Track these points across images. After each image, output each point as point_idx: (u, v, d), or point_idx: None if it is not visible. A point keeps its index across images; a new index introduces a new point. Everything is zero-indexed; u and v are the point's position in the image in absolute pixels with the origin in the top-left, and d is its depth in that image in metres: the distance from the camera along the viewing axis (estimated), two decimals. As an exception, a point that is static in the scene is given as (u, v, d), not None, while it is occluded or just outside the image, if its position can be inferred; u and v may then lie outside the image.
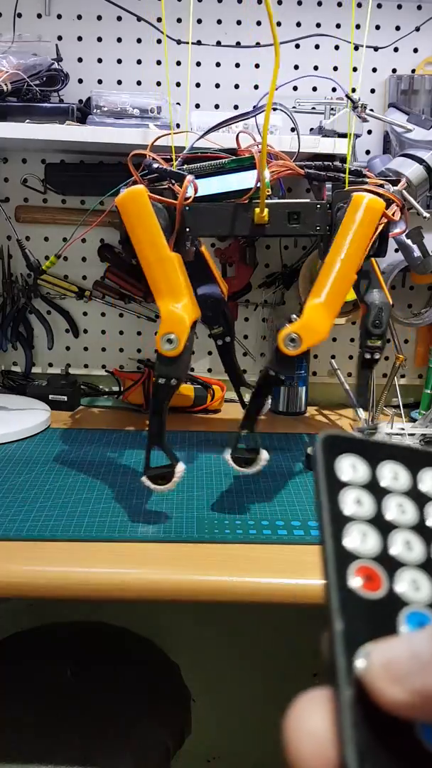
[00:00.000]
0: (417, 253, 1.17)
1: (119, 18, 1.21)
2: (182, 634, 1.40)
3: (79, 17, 1.21)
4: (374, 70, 1.24)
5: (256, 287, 1.31)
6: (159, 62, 1.22)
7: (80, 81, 1.23)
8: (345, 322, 1.26)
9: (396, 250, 1.28)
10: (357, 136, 1.14)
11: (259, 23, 1.22)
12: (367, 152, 1.27)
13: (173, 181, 0.83)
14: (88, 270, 1.32)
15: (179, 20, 1.19)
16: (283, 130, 1.10)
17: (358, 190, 0.84)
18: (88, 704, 1.00)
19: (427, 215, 1.11)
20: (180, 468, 0.80)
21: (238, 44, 1.23)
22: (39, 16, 1.21)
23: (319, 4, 1.22)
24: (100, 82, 1.24)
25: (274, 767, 1.45)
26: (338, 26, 1.22)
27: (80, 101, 1.17)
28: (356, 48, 1.20)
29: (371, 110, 1.11)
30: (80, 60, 1.23)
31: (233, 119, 0.90)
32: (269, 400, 1.01)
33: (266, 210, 0.81)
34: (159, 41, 1.20)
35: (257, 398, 0.84)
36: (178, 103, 1.17)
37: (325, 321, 0.79)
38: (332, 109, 1.11)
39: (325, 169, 0.90)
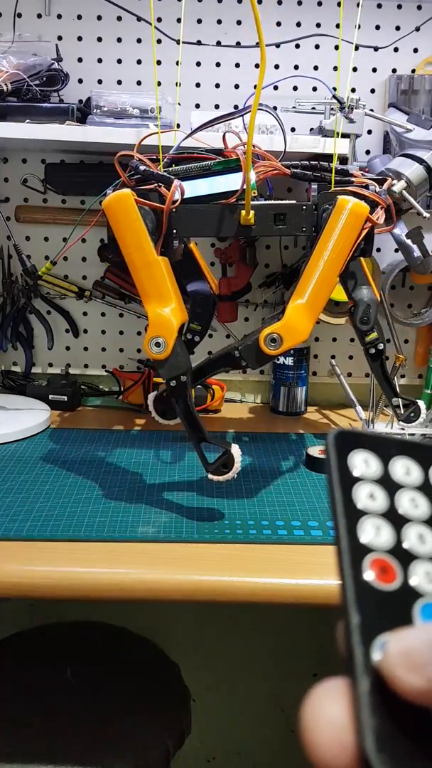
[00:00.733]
0: (417, 253, 1.17)
1: (119, 18, 1.21)
2: (182, 634, 1.40)
3: (79, 17, 1.21)
4: (374, 70, 1.24)
5: (256, 287, 1.31)
6: (159, 62, 1.22)
7: (80, 81, 1.23)
8: (345, 322, 1.26)
9: (396, 250, 1.28)
10: (357, 136, 1.14)
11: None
12: (367, 152, 1.27)
13: (160, 183, 0.83)
14: (88, 270, 1.32)
15: (179, 20, 1.19)
16: (279, 129, 1.10)
17: (343, 192, 0.84)
18: (87, 704, 1.00)
19: (427, 215, 1.11)
20: (236, 450, 0.80)
21: (238, 44, 1.23)
22: (39, 16, 1.21)
23: (319, 4, 1.22)
24: (100, 82, 1.24)
25: (274, 767, 1.45)
26: (338, 26, 1.22)
27: (80, 101, 1.17)
28: (356, 48, 1.20)
29: (371, 110, 1.11)
30: (80, 60, 1.23)
31: (219, 119, 0.90)
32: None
33: (252, 212, 0.82)
34: (159, 41, 1.20)
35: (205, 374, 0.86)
36: (179, 103, 1.16)
37: (307, 322, 0.80)
38: (332, 109, 1.11)
39: (311, 169, 0.90)
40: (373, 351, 0.97)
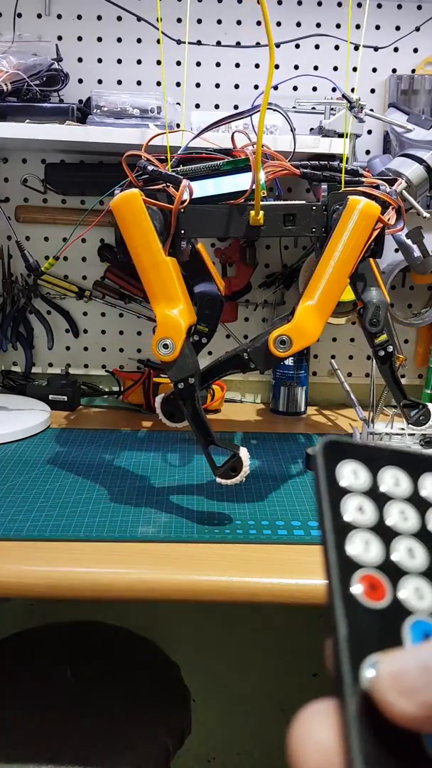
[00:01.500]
0: (417, 253, 1.17)
1: (119, 18, 1.21)
2: (182, 634, 1.40)
3: (79, 17, 1.21)
4: (374, 70, 1.24)
5: (256, 287, 1.31)
6: (159, 62, 1.22)
7: (80, 81, 1.23)
8: (345, 322, 1.26)
9: (396, 250, 1.28)
10: (357, 136, 1.14)
11: (259, 23, 1.22)
12: (367, 152, 1.27)
13: (168, 184, 0.83)
14: (88, 270, 1.32)
15: (179, 20, 1.19)
16: (282, 129, 1.10)
17: (353, 192, 0.84)
18: (87, 704, 1.00)
19: (427, 215, 1.11)
20: (244, 453, 0.80)
21: (238, 44, 1.23)
22: (39, 16, 1.21)
23: (319, 4, 1.22)
24: (100, 82, 1.24)
25: (274, 767, 1.45)
26: (338, 26, 1.22)
27: (80, 101, 1.17)
28: (356, 48, 1.20)
29: (371, 110, 1.11)
30: (80, 60, 1.23)
31: (227, 119, 0.90)
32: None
33: (261, 212, 0.81)
34: (159, 41, 1.20)
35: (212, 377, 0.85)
36: (178, 103, 1.16)
37: (317, 324, 0.80)
38: (332, 109, 1.11)
39: (322, 169, 0.90)
40: (382, 353, 0.96)
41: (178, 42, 1.19)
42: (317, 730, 0.21)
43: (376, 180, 0.89)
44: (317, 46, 1.23)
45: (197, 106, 1.25)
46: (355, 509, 0.25)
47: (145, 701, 1.02)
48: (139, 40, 1.22)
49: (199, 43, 1.22)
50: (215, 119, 0.93)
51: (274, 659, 1.43)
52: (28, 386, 1.28)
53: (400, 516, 0.25)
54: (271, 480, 0.95)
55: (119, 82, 1.24)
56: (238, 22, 1.22)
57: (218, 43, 1.23)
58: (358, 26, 1.21)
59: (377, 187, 0.88)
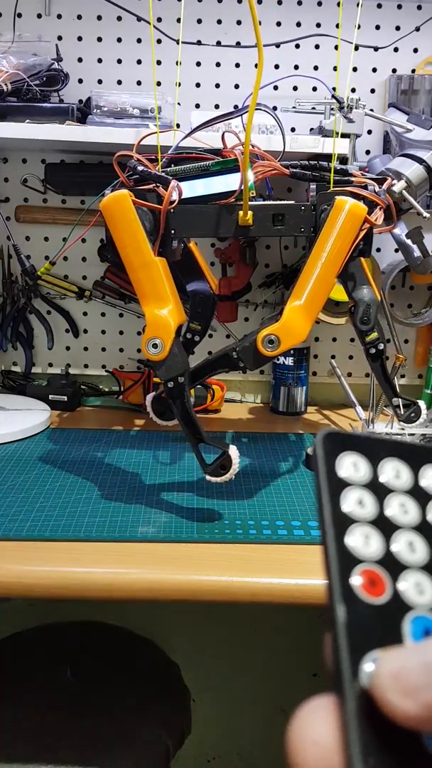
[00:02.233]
0: (417, 253, 1.17)
1: (119, 18, 1.21)
2: (182, 634, 1.40)
3: (79, 17, 1.21)
4: (374, 70, 1.24)
5: (256, 287, 1.31)
6: (159, 62, 1.22)
7: (80, 81, 1.23)
8: (345, 322, 1.26)
9: (396, 250, 1.28)
10: (357, 136, 1.14)
11: (259, 23, 1.22)
12: (367, 152, 1.27)
13: (158, 184, 0.83)
14: (88, 270, 1.32)
15: (179, 20, 1.19)
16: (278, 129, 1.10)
17: (341, 192, 0.84)
18: (87, 704, 1.00)
19: (427, 215, 1.11)
20: (234, 451, 0.80)
21: (238, 44, 1.23)
22: (39, 16, 1.21)
23: (319, 4, 1.22)
24: (100, 82, 1.24)
25: (274, 767, 1.45)
26: (338, 26, 1.22)
27: (80, 101, 1.17)
28: (356, 48, 1.20)
29: (371, 110, 1.11)
30: (80, 60, 1.23)
31: (217, 119, 0.90)
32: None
33: (250, 212, 0.82)
34: (159, 41, 1.20)
35: (202, 375, 0.85)
36: (178, 103, 1.16)
37: (305, 324, 0.80)
38: (332, 109, 1.11)
39: (311, 169, 0.90)
40: (373, 351, 0.96)
41: (178, 42, 1.19)
42: (316, 728, 0.21)
43: (365, 180, 0.89)
44: (317, 46, 1.23)
45: (197, 106, 1.25)
46: (355, 502, 0.24)
47: (145, 701, 1.02)
48: (139, 40, 1.22)
49: (199, 43, 1.22)
50: (208, 119, 0.94)
51: (274, 659, 1.43)
52: (28, 386, 1.28)
53: (401, 509, 0.25)
54: (271, 480, 0.95)
55: (119, 82, 1.24)
56: (238, 22, 1.22)
57: (218, 43, 1.23)
58: (358, 26, 1.21)
59: (365, 186, 0.88)
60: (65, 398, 1.25)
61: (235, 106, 1.23)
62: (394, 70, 1.25)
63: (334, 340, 1.37)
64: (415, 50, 1.24)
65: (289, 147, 1.02)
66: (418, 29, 1.23)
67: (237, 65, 1.23)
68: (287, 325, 0.80)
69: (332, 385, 1.35)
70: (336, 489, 0.24)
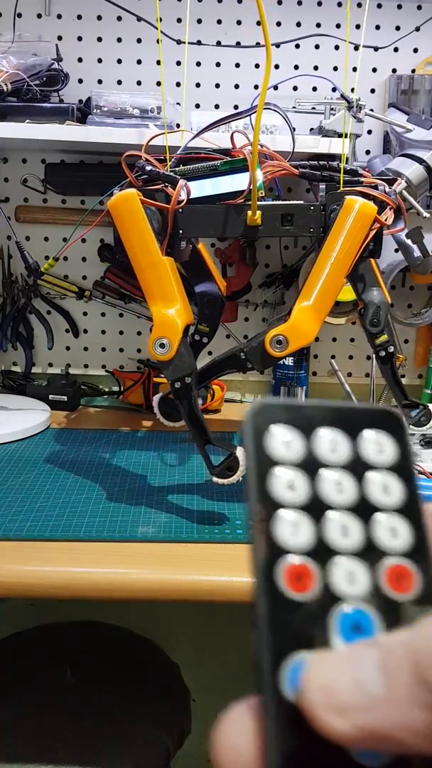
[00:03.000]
0: (417, 253, 1.17)
1: (119, 18, 1.21)
2: (182, 634, 1.40)
3: (79, 17, 1.21)
4: (374, 70, 1.24)
5: (256, 287, 1.31)
6: (159, 62, 1.22)
7: (80, 81, 1.23)
8: (345, 322, 1.26)
9: (396, 250, 1.28)
10: (357, 136, 1.14)
11: (259, 23, 1.22)
12: (367, 152, 1.27)
13: (166, 184, 0.83)
14: (88, 270, 1.32)
15: (179, 20, 1.19)
16: (283, 129, 1.10)
17: (351, 192, 0.84)
18: (87, 704, 1.00)
19: (427, 215, 1.10)
20: (240, 452, 0.80)
21: (238, 44, 1.23)
22: (39, 16, 1.21)
23: (319, 4, 1.22)
24: (100, 82, 1.24)
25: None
26: (338, 26, 1.22)
27: (80, 101, 1.17)
28: (356, 48, 1.20)
29: (371, 110, 1.11)
30: (80, 60, 1.23)
31: (226, 119, 0.90)
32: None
33: (258, 212, 0.81)
34: (159, 41, 1.20)
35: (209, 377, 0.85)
36: (177, 103, 1.16)
37: (313, 324, 0.80)
38: (332, 109, 1.11)
39: (321, 169, 0.90)
40: (383, 354, 0.96)
41: (178, 42, 1.19)
42: (236, 735, 0.19)
43: (375, 180, 0.89)
44: (317, 46, 1.23)
45: (197, 106, 1.25)
46: (285, 485, 0.22)
47: (145, 701, 1.02)
48: (139, 40, 1.22)
49: (199, 43, 1.22)
50: (215, 119, 0.94)
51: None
52: (28, 386, 1.28)
53: (336, 488, 0.22)
54: (271, 480, 0.95)
55: (119, 82, 1.24)
56: (238, 22, 1.22)
57: (218, 43, 1.23)
58: (358, 26, 1.21)
59: (375, 187, 0.88)
60: (65, 398, 1.25)
61: (235, 106, 1.23)
62: (394, 70, 1.25)
63: (334, 340, 1.37)
64: (415, 50, 1.24)
65: (290, 147, 1.02)
66: (418, 29, 1.23)
67: (237, 65, 1.23)
68: (296, 326, 0.80)
69: (332, 385, 1.34)
70: (264, 471, 0.22)
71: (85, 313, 1.34)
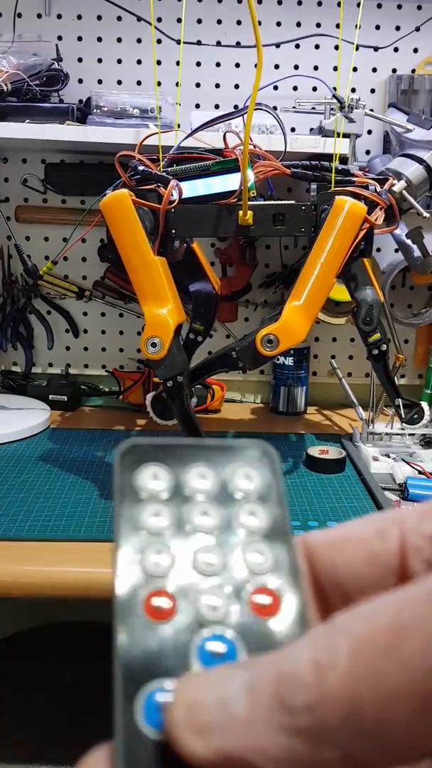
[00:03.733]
0: (417, 253, 1.17)
1: (119, 18, 1.21)
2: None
3: (79, 17, 1.21)
4: (374, 70, 1.24)
5: (256, 287, 1.31)
6: (159, 62, 1.22)
7: (80, 81, 1.23)
8: (345, 322, 1.26)
9: (396, 250, 1.28)
10: (357, 136, 1.14)
11: (259, 23, 1.22)
12: (367, 152, 1.27)
13: (159, 184, 0.83)
14: (88, 270, 1.32)
15: (179, 20, 1.19)
16: (278, 129, 1.10)
17: (342, 192, 0.84)
18: (88, 705, 0.99)
19: (427, 215, 1.10)
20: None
21: (238, 44, 1.23)
22: (39, 16, 1.21)
23: (319, 4, 1.22)
24: (100, 82, 1.24)
25: None
26: (338, 26, 1.22)
27: (80, 101, 1.17)
28: (356, 48, 1.20)
29: (371, 110, 1.11)
30: (80, 60, 1.23)
31: (218, 119, 0.90)
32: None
33: (250, 212, 0.82)
34: (159, 41, 1.20)
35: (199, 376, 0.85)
36: (178, 104, 1.16)
37: (304, 323, 0.80)
38: (332, 109, 1.11)
39: (312, 169, 0.90)
40: (376, 352, 0.96)
41: (178, 42, 1.19)
42: None
43: (366, 180, 0.89)
44: (317, 46, 1.23)
45: (197, 106, 1.25)
46: (150, 515, 0.22)
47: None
48: (139, 40, 1.22)
49: (199, 43, 1.22)
50: (209, 119, 0.94)
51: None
52: (28, 386, 1.28)
53: (201, 515, 0.22)
54: (271, 480, 0.95)
55: (119, 82, 1.24)
56: (238, 22, 1.22)
57: (218, 43, 1.23)
58: (357, 26, 1.21)
59: (366, 186, 0.88)
60: (65, 398, 1.25)
61: (235, 106, 1.23)
62: (394, 70, 1.24)
63: (334, 340, 1.37)
64: (415, 50, 1.24)
65: (289, 147, 1.02)
66: (418, 29, 1.23)
67: (237, 65, 1.23)
68: (286, 325, 0.80)
69: (332, 385, 1.34)
70: (132, 505, 0.22)
71: (85, 313, 1.34)
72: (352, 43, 1.17)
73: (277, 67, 1.23)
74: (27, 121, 1.06)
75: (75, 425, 1.18)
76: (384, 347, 0.96)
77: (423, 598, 0.16)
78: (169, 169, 0.87)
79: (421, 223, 1.19)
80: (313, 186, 0.90)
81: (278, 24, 1.22)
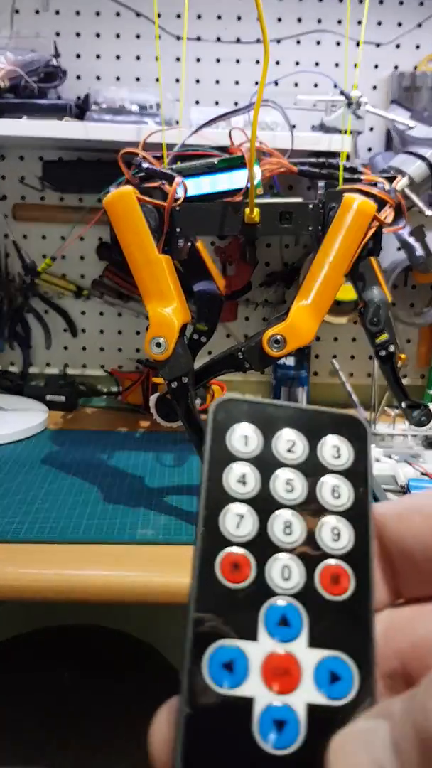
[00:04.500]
0: (420, 251, 1.16)
1: (118, 14, 1.20)
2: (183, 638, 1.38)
3: (78, 13, 1.20)
4: (376, 66, 1.23)
5: (256, 286, 1.30)
6: (158, 58, 1.21)
7: (78, 77, 1.22)
8: (346, 321, 1.25)
9: (398, 249, 1.27)
10: (358, 133, 1.13)
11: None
12: (369, 150, 1.26)
13: (163, 181, 0.82)
14: (87, 268, 1.30)
15: (179, 16, 1.18)
16: (283, 126, 1.09)
17: (350, 190, 0.83)
18: (86, 709, 0.98)
19: (430, 213, 1.09)
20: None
21: (238, 40, 1.21)
22: (37, 12, 1.20)
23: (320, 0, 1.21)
24: (98, 78, 1.22)
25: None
26: (339, 22, 1.20)
27: (78, 98, 1.15)
28: (357, 44, 1.19)
29: (373, 107, 1.10)
30: (78, 56, 1.21)
31: (224, 116, 0.89)
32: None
33: (257, 210, 0.80)
34: (159, 37, 1.19)
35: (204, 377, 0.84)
36: (177, 100, 1.15)
37: (311, 323, 0.79)
38: (333, 105, 1.10)
39: (320, 167, 0.89)
40: (383, 353, 0.94)
41: (178, 38, 1.17)
42: (162, 726, 0.20)
43: (375, 177, 0.88)
44: (318, 42, 1.22)
45: (197, 102, 1.23)
46: (236, 479, 0.22)
47: (145, 706, 1.00)
48: (138, 36, 1.21)
49: (198, 39, 1.21)
50: (214, 116, 0.92)
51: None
52: (25, 386, 1.27)
53: (286, 486, 0.23)
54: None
55: (118, 79, 1.22)
56: (239, 18, 1.21)
57: (218, 39, 1.21)
58: (359, 22, 1.20)
59: (375, 184, 0.86)
60: (63, 398, 1.23)
61: (236, 103, 1.22)
62: (396, 67, 1.23)
63: (336, 339, 1.36)
64: (417, 47, 1.23)
65: (291, 144, 1.01)
66: (420, 25, 1.21)
67: (237, 61, 1.22)
68: (293, 325, 0.78)
69: (334, 386, 1.33)
70: (220, 464, 0.23)
71: (83, 313, 1.33)
72: (354, 40, 1.16)
73: (277, 63, 1.22)
74: (24, 118, 1.04)
75: (73, 426, 1.16)
76: (392, 348, 0.94)
77: None
78: (174, 166, 0.85)
79: (424, 221, 1.18)
80: (320, 184, 0.88)
81: (279, 20, 1.21)
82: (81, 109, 1.09)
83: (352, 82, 1.19)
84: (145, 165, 0.81)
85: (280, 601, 0.21)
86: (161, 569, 0.72)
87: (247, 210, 0.80)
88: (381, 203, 0.85)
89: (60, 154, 1.25)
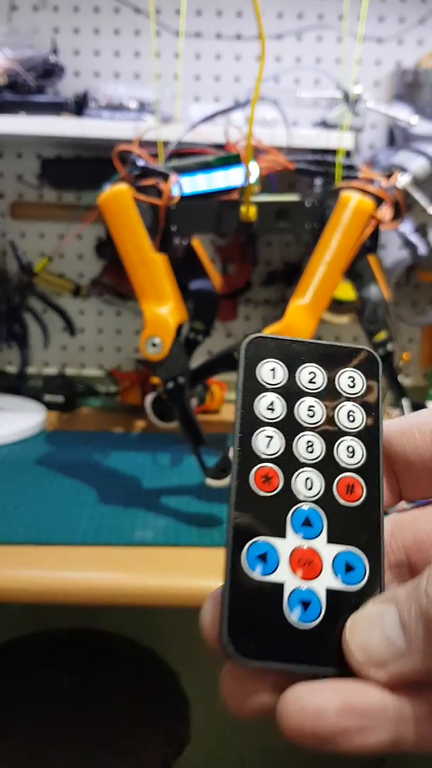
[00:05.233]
0: (423, 249, 1.15)
1: (116, 10, 1.18)
2: (182, 641, 1.37)
3: (76, 9, 1.19)
4: (378, 62, 1.22)
5: (256, 285, 1.28)
6: (158, 54, 1.19)
7: (77, 74, 1.21)
8: (348, 321, 1.23)
9: (401, 247, 1.25)
10: (358, 130, 1.11)
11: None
12: (371, 147, 1.24)
13: (159, 179, 0.80)
14: (85, 267, 1.29)
15: (178, 11, 1.17)
16: (279, 122, 1.07)
17: (347, 187, 0.82)
18: (85, 712, 0.97)
19: (433, 210, 1.08)
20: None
21: (238, 37, 1.20)
22: (35, 8, 1.19)
23: (321, -5, 1.19)
24: (97, 74, 1.21)
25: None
26: (341, 18, 1.19)
27: (76, 94, 1.14)
28: (360, 40, 1.18)
29: (374, 103, 1.09)
30: (77, 52, 1.20)
31: (220, 113, 0.88)
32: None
33: (252, 208, 0.79)
34: (158, 33, 1.18)
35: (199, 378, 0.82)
36: (178, 97, 1.14)
37: (309, 322, 0.78)
38: (334, 102, 1.09)
39: (317, 164, 0.87)
40: (381, 352, 0.93)
41: (177, 34, 1.16)
42: (209, 612, 0.24)
43: (372, 175, 0.87)
44: (319, 38, 1.21)
45: (196, 99, 1.22)
46: (266, 406, 0.26)
47: (145, 710, 0.99)
48: (137, 32, 1.19)
49: (198, 35, 1.19)
50: (211, 113, 0.91)
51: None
52: (22, 386, 1.25)
53: (308, 412, 0.26)
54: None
55: (116, 75, 1.21)
56: (239, 14, 1.19)
57: (218, 36, 1.20)
58: (359, 18, 1.18)
59: (372, 181, 0.85)
60: (61, 399, 1.22)
61: (236, 100, 1.21)
62: (398, 63, 1.22)
63: (337, 339, 1.34)
64: (420, 42, 1.21)
65: (291, 141, 0.99)
66: (422, 21, 1.20)
67: (237, 58, 1.21)
68: (290, 325, 0.78)
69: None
70: (252, 394, 0.26)
71: (81, 312, 1.31)
72: (356, 35, 1.15)
73: (278, 59, 1.21)
74: (22, 114, 1.03)
75: (71, 426, 1.15)
76: (390, 347, 0.93)
77: None
78: (170, 163, 0.84)
79: (427, 218, 1.17)
80: (317, 181, 0.87)
81: (279, 15, 1.19)
82: (79, 106, 1.08)
83: (353, 79, 1.18)
84: (140, 162, 0.80)
85: (304, 506, 0.25)
86: (160, 572, 0.71)
87: (243, 208, 0.79)
88: (379, 201, 0.83)
89: (58, 151, 1.24)
